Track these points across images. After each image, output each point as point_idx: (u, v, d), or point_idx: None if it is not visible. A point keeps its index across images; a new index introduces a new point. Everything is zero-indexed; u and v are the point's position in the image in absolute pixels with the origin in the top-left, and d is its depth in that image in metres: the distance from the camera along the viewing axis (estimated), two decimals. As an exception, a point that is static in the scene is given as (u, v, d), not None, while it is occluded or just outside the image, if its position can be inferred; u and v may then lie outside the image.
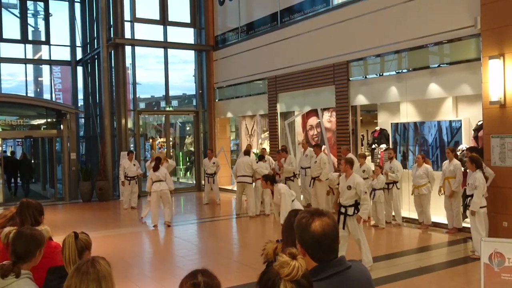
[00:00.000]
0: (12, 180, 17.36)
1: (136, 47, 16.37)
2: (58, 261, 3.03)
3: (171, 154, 17.77)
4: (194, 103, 18.30)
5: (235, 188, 15.22)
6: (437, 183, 9.49)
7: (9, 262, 2.85)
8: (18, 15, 18.52)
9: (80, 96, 19.80)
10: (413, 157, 10.24)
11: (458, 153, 9.36)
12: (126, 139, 15.79)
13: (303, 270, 1.94)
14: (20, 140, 20.93)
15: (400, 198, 10.23)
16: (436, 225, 9.69)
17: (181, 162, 19.17)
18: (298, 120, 13.97)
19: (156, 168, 10.59)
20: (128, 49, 16.11)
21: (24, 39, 18.51)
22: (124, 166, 13.66)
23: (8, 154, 18.68)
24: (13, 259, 2.88)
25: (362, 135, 13.54)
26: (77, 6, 19.49)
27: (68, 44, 19.44)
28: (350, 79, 11.63)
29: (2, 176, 15.11)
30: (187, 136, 19.68)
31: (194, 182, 17.33)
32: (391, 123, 11.18)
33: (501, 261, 4.10)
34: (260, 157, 12.63)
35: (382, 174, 9.97)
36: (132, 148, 15.93)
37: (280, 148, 13.13)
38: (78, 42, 19.43)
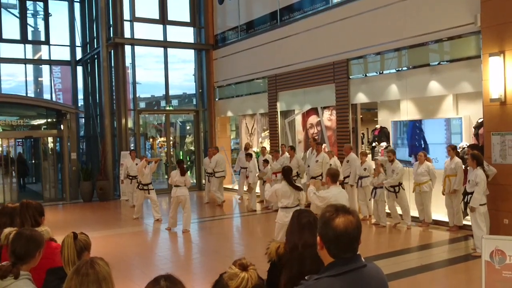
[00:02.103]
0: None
1: (135, 47, 16.36)
2: (58, 262, 3.02)
3: (172, 153, 17.77)
4: (194, 102, 18.30)
5: (236, 187, 15.25)
6: (439, 181, 9.47)
7: (8, 263, 2.84)
8: (18, 15, 18.51)
9: (80, 96, 19.81)
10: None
11: (459, 150, 9.35)
12: (126, 138, 15.79)
13: (253, 282, 1.89)
14: (20, 140, 20.93)
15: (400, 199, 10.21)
16: (437, 223, 9.68)
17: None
18: (298, 119, 13.96)
19: (182, 173, 10.07)
20: (127, 48, 16.11)
21: (23, 39, 18.51)
22: (126, 165, 13.68)
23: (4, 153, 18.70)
24: (12, 260, 2.87)
25: (363, 133, 13.52)
26: (77, 6, 19.48)
27: (68, 44, 19.44)
28: (350, 77, 11.61)
29: (11, 175, 15.13)
30: (188, 135, 19.66)
31: (195, 181, 17.32)
32: (391, 121, 11.17)
33: (502, 259, 4.09)
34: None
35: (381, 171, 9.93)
36: (132, 147, 15.94)
37: (280, 147, 13.13)
38: (78, 42, 19.43)
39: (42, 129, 16.42)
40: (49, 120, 15.93)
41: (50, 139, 16.56)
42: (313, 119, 13.37)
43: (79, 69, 19.50)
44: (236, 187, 15.19)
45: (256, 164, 13.14)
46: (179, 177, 10.04)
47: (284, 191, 7.03)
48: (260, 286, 1.91)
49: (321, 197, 6.07)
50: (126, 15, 16.16)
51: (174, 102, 19.55)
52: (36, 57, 19.47)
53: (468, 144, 9.28)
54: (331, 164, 11.02)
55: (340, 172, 10.95)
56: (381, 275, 2.20)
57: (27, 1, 18.71)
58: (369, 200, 10.30)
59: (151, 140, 20.25)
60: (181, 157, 17.03)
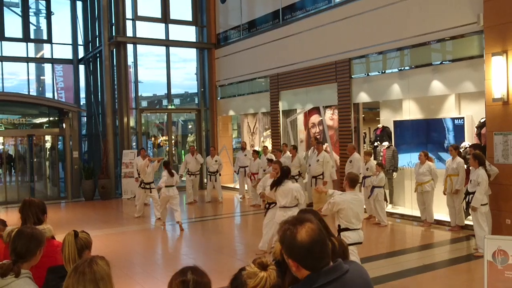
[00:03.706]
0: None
1: (138, 45, 16.37)
2: (59, 260, 3.02)
3: (173, 152, 17.77)
4: (196, 101, 18.29)
5: (237, 186, 15.25)
6: (441, 180, 9.45)
7: (9, 261, 2.84)
8: (20, 13, 18.52)
9: (82, 94, 19.81)
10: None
11: (461, 150, 9.33)
12: (128, 137, 15.80)
13: (272, 282, 1.87)
14: (22, 138, 21.03)
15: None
16: (439, 222, 9.67)
17: (183, 160, 19.19)
18: (300, 118, 13.96)
19: (171, 174, 10.29)
20: (130, 47, 16.11)
21: (26, 38, 18.52)
22: (136, 163, 13.56)
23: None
24: (13, 258, 2.87)
25: (365, 133, 13.50)
26: (79, 5, 19.49)
27: (70, 42, 19.46)
28: (352, 76, 11.59)
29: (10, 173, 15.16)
30: (189, 134, 19.66)
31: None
32: (393, 121, 11.16)
33: (504, 259, 4.07)
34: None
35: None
36: (134, 147, 15.96)
37: (281, 146, 13.12)
38: (80, 41, 19.44)
39: (44, 127, 16.44)
40: (51, 118, 15.94)
41: (51, 138, 16.57)
42: (315, 118, 13.35)
43: (81, 67, 19.51)
44: (238, 186, 15.19)
45: (259, 162, 13.15)
46: (171, 178, 10.20)
47: (281, 190, 7.02)
48: (279, 286, 1.89)
49: (332, 203, 5.69)
50: (128, 13, 16.16)
51: (176, 101, 19.53)
52: (38, 56, 19.49)
53: (470, 144, 9.26)
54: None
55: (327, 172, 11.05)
56: (365, 277, 2.14)
57: (29, 0, 18.73)
58: (368, 198, 10.23)
59: (153, 139, 20.26)
60: (182, 156, 17.02)
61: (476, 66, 8.80)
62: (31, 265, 2.94)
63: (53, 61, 19.25)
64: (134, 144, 16.29)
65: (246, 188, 14.29)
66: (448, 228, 9.31)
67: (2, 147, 16.99)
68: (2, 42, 17.98)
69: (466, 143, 9.45)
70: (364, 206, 10.27)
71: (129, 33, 16.15)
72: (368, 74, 11.33)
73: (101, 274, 2.24)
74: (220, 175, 14.08)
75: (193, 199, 13.97)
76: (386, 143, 11.23)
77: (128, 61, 16.10)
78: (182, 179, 14.16)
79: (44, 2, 19.02)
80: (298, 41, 13.15)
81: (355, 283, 2.05)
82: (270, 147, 14.22)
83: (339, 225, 5.68)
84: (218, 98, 17.43)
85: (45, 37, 19.16)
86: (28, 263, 2.91)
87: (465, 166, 8.85)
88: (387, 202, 10.80)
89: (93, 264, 2.26)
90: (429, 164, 9.46)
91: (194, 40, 17.83)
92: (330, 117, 12.62)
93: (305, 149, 13.65)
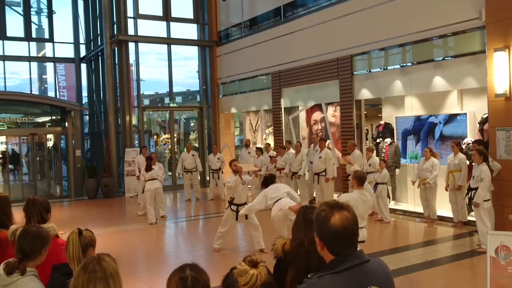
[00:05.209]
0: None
1: (139, 44, 16.38)
2: (64, 258, 3.03)
3: (176, 150, 17.79)
4: (198, 99, 18.31)
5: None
6: (443, 176, 9.44)
7: (15, 259, 2.86)
8: (22, 13, 18.54)
9: (84, 93, 19.84)
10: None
11: (464, 146, 9.32)
12: (130, 135, 15.84)
13: (263, 279, 1.89)
14: (25, 137, 21.08)
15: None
16: (442, 218, 9.67)
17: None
18: (302, 115, 13.95)
19: (148, 169, 10.75)
20: (131, 45, 16.13)
21: (27, 37, 18.54)
22: (138, 161, 13.61)
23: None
24: (19, 256, 2.89)
25: (367, 129, 13.49)
26: (80, 3, 19.49)
27: (72, 41, 19.47)
28: (354, 73, 11.58)
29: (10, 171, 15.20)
30: (192, 132, 19.68)
31: (199, 177, 17.32)
32: (395, 117, 11.15)
33: (507, 255, 4.07)
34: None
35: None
36: (136, 145, 15.99)
37: (284, 143, 13.12)
38: (82, 39, 19.44)
39: (47, 126, 16.47)
40: (53, 117, 15.98)
41: (54, 136, 16.61)
42: (317, 115, 13.34)
43: (83, 66, 19.53)
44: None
45: (262, 159, 13.16)
46: (154, 171, 10.74)
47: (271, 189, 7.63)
48: (270, 283, 1.91)
49: None
50: (130, 12, 16.17)
51: (178, 99, 19.55)
52: (40, 55, 19.50)
53: (473, 140, 9.25)
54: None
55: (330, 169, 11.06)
56: (386, 269, 2.18)
57: (31, -1, 18.76)
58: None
59: (155, 137, 20.29)
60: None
61: (478, 61, 8.78)
62: (36, 263, 2.96)
63: (55, 60, 19.27)
64: (136, 142, 16.32)
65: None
66: (451, 224, 9.31)
67: (5, 146, 17.03)
68: (4, 41, 18.01)
69: (469, 139, 9.44)
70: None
71: (131, 31, 16.16)
72: (370, 71, 11.31)
73: (110, 271, 2.26)
74: (222, 172, 14.10)
75: (188, 198, 14.00)
76: (388, 140, 11.23)
77: (130, 59, 16.11)
78: (181, 176, 14.20)
79: (45, 1, 19.02)
80: (300, 38, 13.13)
81: (376, 272, 2.10)
82: (272, 145, 14.23)
83: None
84: (220, 96, 17.44)
85: (46, 36, 19.18)
86: (34, 261, 2.93)
87: (467, 162, 8.85)
88: (389, 198, 10.79)
89: (102, 261, 2.27)
90: (433, 160, 9.45)
91: (196, 38, 17.83)
92: (332, 114, 12.60)
93: (307, 146, 13.64)
